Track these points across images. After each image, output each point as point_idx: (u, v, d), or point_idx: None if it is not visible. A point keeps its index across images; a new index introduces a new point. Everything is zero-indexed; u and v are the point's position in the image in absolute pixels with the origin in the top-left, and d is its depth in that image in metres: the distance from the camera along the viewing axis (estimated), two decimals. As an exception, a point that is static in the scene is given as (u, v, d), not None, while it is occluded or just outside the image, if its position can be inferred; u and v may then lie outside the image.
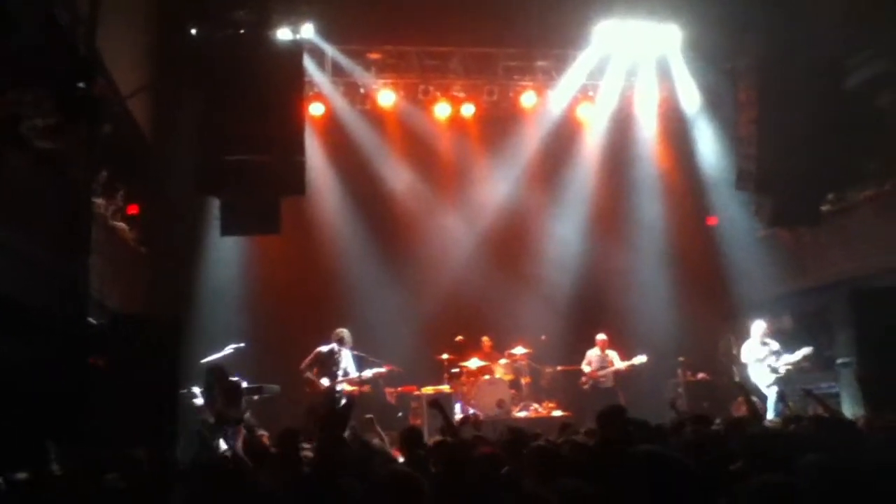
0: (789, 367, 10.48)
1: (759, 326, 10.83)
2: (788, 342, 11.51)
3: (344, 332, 10.42)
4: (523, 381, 12.06)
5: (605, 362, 11.65)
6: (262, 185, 9.32)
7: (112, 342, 7.31)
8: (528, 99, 12.90)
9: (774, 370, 10.48)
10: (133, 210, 10.66)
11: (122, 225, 10.17)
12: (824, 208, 11.24)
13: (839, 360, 10.73)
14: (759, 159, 10.90)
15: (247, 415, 9.09)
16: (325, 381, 10.08)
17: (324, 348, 10.29)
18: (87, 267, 7.67)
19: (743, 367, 10.94)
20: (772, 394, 10.25)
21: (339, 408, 9.24)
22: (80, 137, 7.80)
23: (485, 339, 12.08)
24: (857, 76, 10.84)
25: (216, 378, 8.87)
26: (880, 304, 9.67)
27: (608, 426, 5.51)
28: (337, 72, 12.17)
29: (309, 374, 10.12)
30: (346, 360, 10.59)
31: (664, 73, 12.72)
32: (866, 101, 10.86)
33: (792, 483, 3.27)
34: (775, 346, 10.66)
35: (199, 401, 9.25)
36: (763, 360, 10.57)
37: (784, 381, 10.36)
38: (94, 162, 8.45)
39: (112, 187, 9.88)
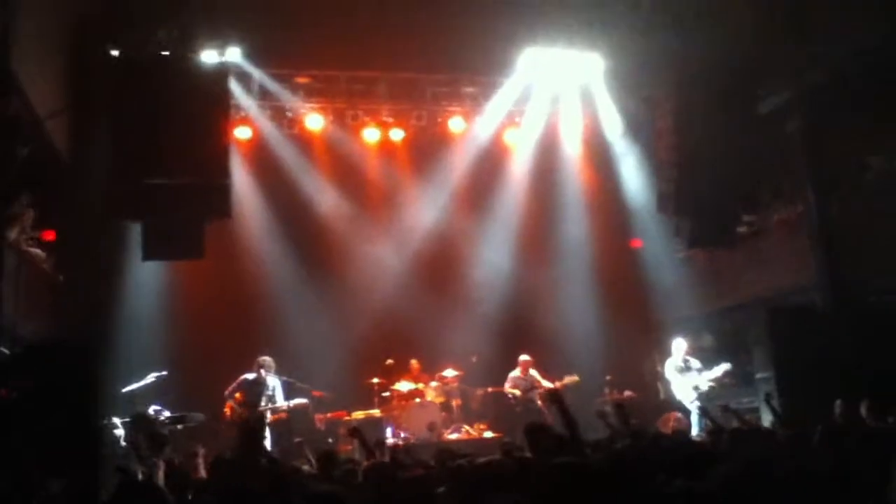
0: (711, 383, 10.82)
1: (679, 344, 11.19)
2: (709, 359, 11.90)
3: (266, 359, 10.32)
4: (454, 403, 12.07)
5: (529, 383, 11.78)
6: (186, 208, 9.14)
7: (21, 371, 7.03)
8: (455, 124, 13.06)
9: (696, 387, 10.81)
10: (49, 236, 10.30)
11: (37, 251, 9.82)
12: (740, 230, 11.70)
13: (758, 376, 11.17)
14: (677, 183, 11.28)
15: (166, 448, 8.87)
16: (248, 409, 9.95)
17: (249, 376, 10.15)
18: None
19: (667, 384, 11.24)
20: (694, 409, 10.53)
21: (250, 420, 9.12)
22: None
23: (413, 361, 12.05)
24: (768, 103, 11.35)
25: (139, 428, 8.65)
26: (793, 322, 10.17)
27: (533, 442, 5.62)
28: (264, 96, 12.10)
29: (232, 402, 9.95)
30: (273, 386, 10.44)
31: (588, 101, 13.08)
32: (777, 127, 11.35)
33: (705, 490, 3.40)
34: (696, 363, 11.02)
35: (120, 432, 8.99)
36: (685, 376, 10.89)
37: (706, 397, 10.66)
38: (9, 186, 8.17)
39: (27, 212, 9.55)
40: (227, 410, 10.33)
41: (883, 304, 9.98)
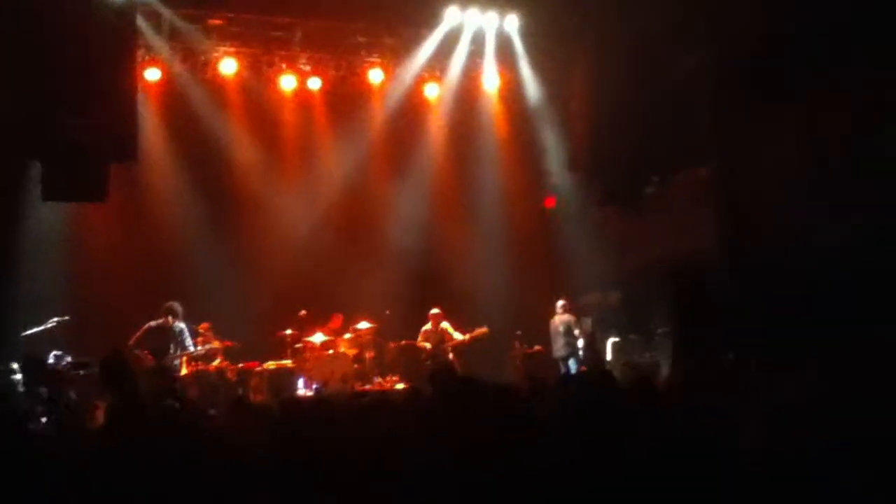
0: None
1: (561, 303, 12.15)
2: (616, 318, 12.38)
3: (174, 304, 10.12)
4: (367, 355, 12.14)
5: (440, 336, 11.99)
6: (89, 149, 8.84)
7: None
8: (375, 76, 12.92)
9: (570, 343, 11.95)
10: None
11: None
12: (648, 191, 12.05)
13: (659, 331, 11.67)
14: (589, 142, 11.52)
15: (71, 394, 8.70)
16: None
17: (153, 323, 9.95)
18: None
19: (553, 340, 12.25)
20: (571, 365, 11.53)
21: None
22: None
23: (336, 315, 12.06)
24: (680, 65, 11.62)
25: (34, 371, 8.42)
26: (691, 282, 10.62)
27: (439, 385, 5.76)
28: (175, 36, 11.65)
29: (137, 351, 9.76)
30: (182, 334, 10.29)
31: (506, 59, 13.16)
32: (688, 90, 11.65)
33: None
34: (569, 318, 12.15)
35: (18, 377, 8.75)
36: (562, 333, 12.05)
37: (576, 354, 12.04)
38: None
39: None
40: (135, 364, 10.12)
41: (777, 266, 10.49)
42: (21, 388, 8.53)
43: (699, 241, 11.46)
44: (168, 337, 10.25)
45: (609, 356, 12.27)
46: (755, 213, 10.82)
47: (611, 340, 12.54)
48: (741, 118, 10.95)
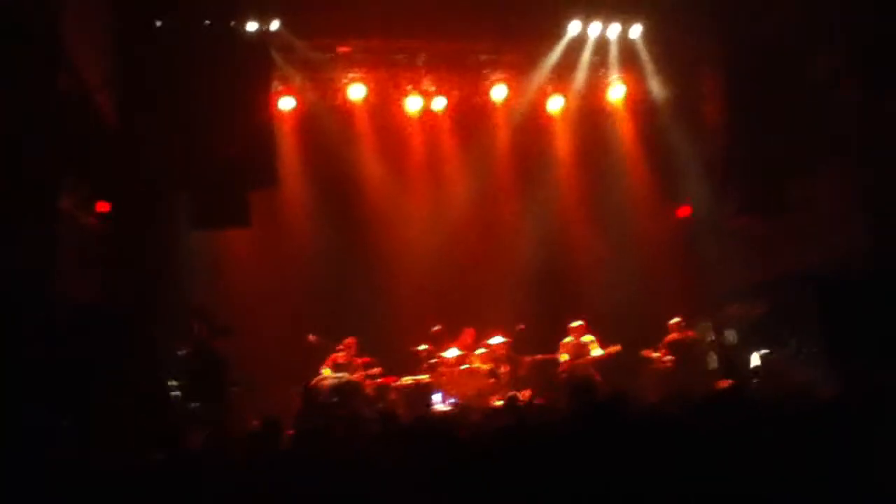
0: None
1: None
2: (761, 330, 11.74)
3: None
4: (501, 370, 12.07)
5: (581, 349, 11.74)
6: (231, 178, 9.29)
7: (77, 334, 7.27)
8: (498, 92, 12.95)
9: None
10: (102, 207, 10.55)
11: (91, 221, 10.06)
12: (789, 196, 11.40)
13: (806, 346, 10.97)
14: (725, 149, 11.06)
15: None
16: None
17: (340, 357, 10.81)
18: (52, 264, 7.60)
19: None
20: None
21: None
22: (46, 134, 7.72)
23: (468, 329, 12.10)
24: (819, 67, 11.00)
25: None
26: (841, 294, 9.93)
27: (582, 400, 5.65)
28: (307, 66, 12.12)
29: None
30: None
31: (632, 66, 12.86)
32: (828, 90, 11.01)
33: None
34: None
35: (176, 394, 9.25)
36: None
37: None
38: (61, 158, 8.37)
39: (80, 184, 9.77)
40: None
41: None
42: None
43: (847, 247, 10.75)
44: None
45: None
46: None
47: (756, 354, 11.88)
48: (885, 118, 10.26)
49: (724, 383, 10.54)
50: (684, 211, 13.56)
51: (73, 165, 9.16)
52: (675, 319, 11.86)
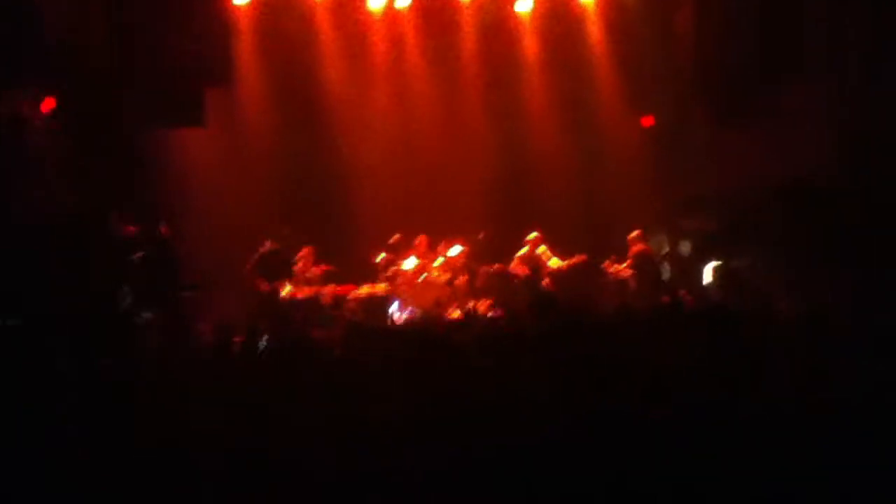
0: None
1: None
2: (718, 242, 11.83)
3: (285, 230, 10.79)
4: (459, 280, 12.06)
5: (536, 261, 11.74)
6: (184, 74, 8.86)
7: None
8: (465, -9, 12.41)
9: None
10: (49, 105, 9.97)
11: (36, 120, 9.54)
12: (759, 107, 11.29)
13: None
14: (697, 55, 10.84)
15: None
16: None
17: (267, 248, 10.47)
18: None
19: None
20: None
21: None
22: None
23: (420, 237, 11.97)
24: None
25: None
26: (809, 208, 10.01)
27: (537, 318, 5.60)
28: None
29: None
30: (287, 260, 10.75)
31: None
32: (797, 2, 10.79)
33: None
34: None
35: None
36: None
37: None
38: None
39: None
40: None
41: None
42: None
43: (812, 159, 10.76)
44: (278, 262, 10.52)
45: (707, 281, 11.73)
46: (876, 132, 10.06)
47: (710, 265, 12.00)
48: (864, 33, 10.12)
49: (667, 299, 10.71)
50: (649, 120, 13.38)
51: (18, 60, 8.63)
52: (635, 232, 11.82)
